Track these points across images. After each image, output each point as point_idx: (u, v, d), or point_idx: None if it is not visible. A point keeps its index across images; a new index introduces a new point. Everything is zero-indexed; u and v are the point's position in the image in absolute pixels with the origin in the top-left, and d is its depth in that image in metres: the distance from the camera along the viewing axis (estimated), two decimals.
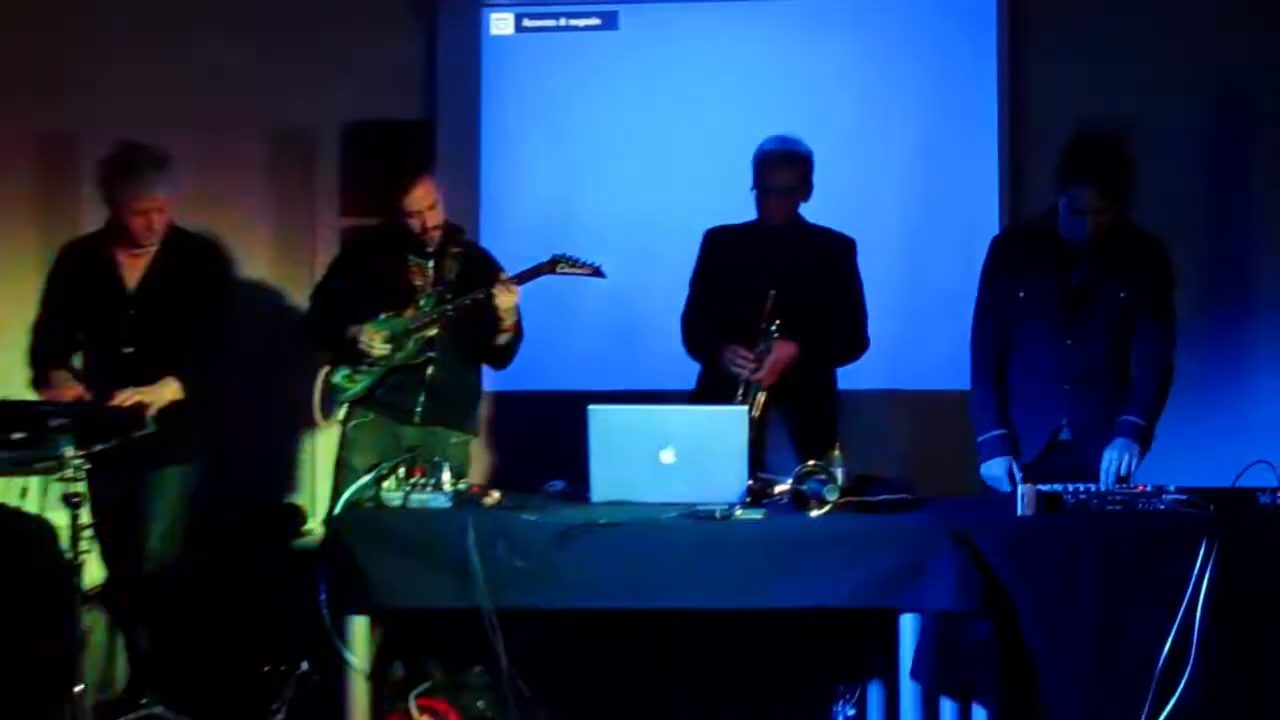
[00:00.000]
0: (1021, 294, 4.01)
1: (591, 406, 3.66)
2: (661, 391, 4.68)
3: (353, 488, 3.70)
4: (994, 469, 4.04)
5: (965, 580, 3.30)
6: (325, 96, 5.88)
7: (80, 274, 4.35)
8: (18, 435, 3.97)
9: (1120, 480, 3.82)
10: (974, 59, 5.66)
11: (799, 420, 4.35)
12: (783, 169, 4.37)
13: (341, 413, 4.43)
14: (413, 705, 3.58)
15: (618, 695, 3.75)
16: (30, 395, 4.26)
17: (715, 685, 3.81)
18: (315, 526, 5.70)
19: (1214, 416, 5.29)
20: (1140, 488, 3.62)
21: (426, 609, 3.51)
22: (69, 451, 3.87)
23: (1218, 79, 5.64)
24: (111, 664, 4.68)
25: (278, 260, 5.97)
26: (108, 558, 4.36)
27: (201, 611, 4.40)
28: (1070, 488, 3.61)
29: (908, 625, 3.40)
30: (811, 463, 3.59)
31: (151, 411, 4.08)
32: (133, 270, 4.31)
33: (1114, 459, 3.87)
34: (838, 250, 4.48)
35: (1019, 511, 3.49)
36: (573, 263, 4.34)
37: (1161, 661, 3.30)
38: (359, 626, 3.49)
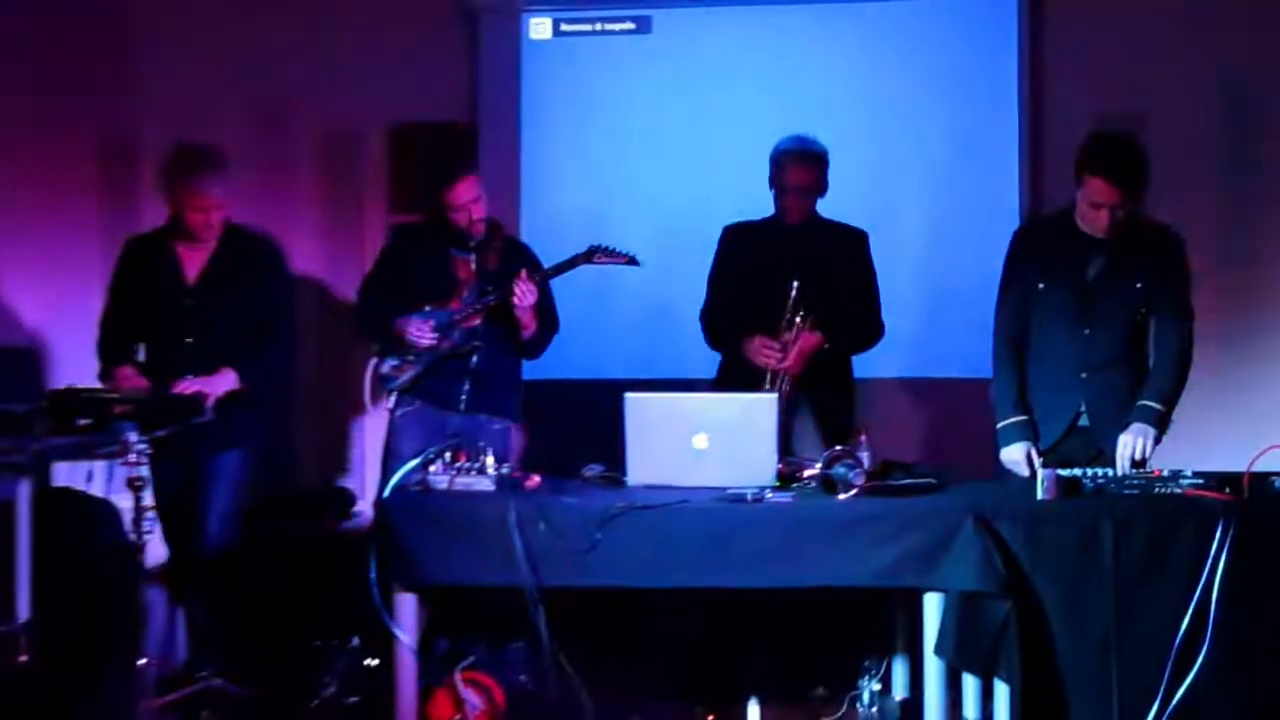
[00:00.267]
0: (1041, 285, 3.98)
1: (628, 394, 3.65)
2: (692, 380, 4.68)
3: (401, 472, 3.71)
4: (1013, 454, 4.00)
5: (987, 561, 3.28)
6: (373, 99, 5.90)
7: (143, 269, 4.38)
8: (84, 422, 4.00)
9: (1137, 464, 3.78)
10: (994, 58, 5.63)
11: (821, 407, 4.35)
12: (801, 168, 4.36)
13: (390, 401, 4.44)
14: (458, 679, 3.59)
15: (653, 669, 3.76)
16: (96, 384, 4.30)
17: (747, 660, 3.81)
18: (364, 508, 5.74)
19: (1229, 402, 5.23)
20: (1157, 472, 3.59)
21: (471, 587, 3.51)
22: (132, 437, 3.90)
23: (1231, 76, 5.58)
24: (172, 638, 4.73)
25: (328, 254, 6.01)
26: (169, 538, 4.39)
27: (257, 589, 4.42)
28: (1089, 472, 3.58)
29: (931, 603, 3.39)
30: (839, 448, 3.59)
31: (210, 401, 4.11)
32: (192, 265, 4.34)
33: (1131, 444, 3.83)
34: (853, 243, 4.48)
35: (1039, 495, 3.47)
36: (609, 252, 4.34)
37: (1178, 642, 3.27)
38: (407, 603, 3.50)
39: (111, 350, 4.36)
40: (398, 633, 3.48)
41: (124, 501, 4.11)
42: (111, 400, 3.98)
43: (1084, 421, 3.97)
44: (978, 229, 5.44)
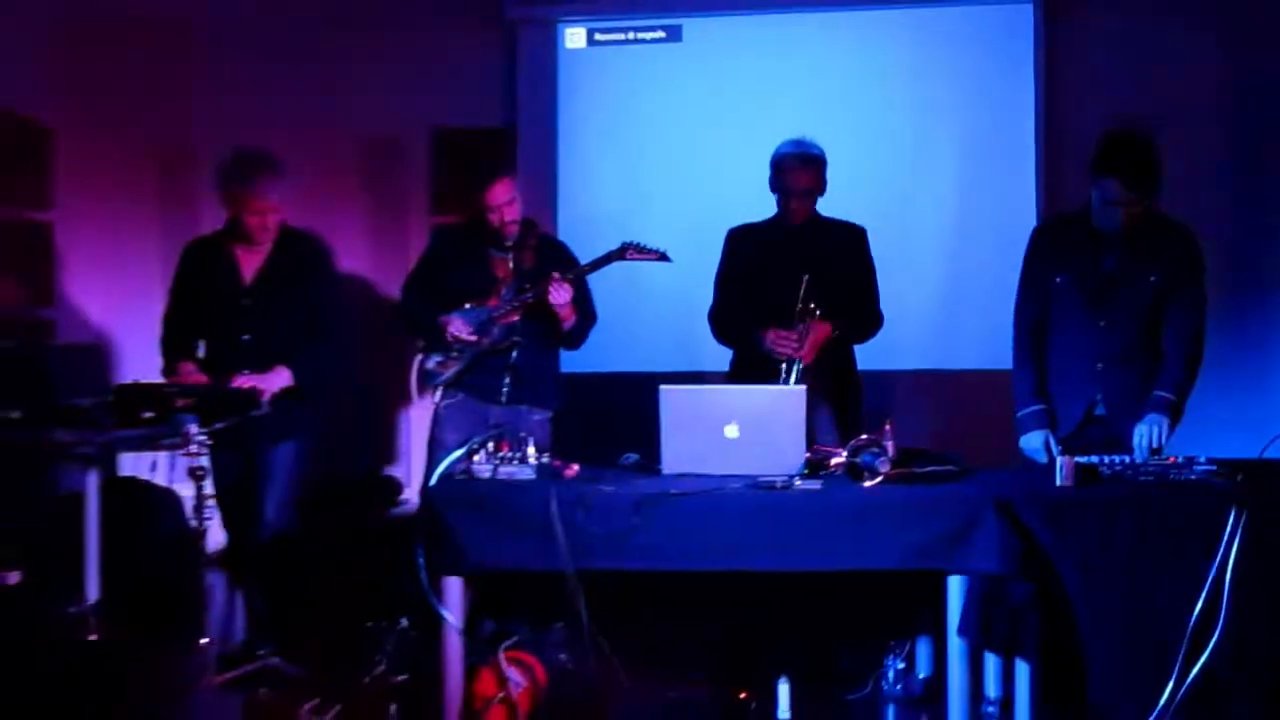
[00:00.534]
0: (1059, 279, 3.96)
1: (663, 386, 3.65)
2: (721, 372, 4.66)
3: (446, 461, 3.71)
4: (1032, 441, 4.00)
5: (1008, 545, 3.26)
6: (417, 106, 5.92)
7: (202, 270, 4.40)
8: (148, 415, 4.04)
9: (1153, 452, 3.75)
10: (1011, 64, 5.61)
11: (832, 395, 4.34)
12: (802, 172, 4.35)
13: (435, 394, 4.45)
14: (501, 658, 3.59)
15: (688, 649, 3.75)
16: (159, 379, 4.32)
17: (777, 641, 3.80)
18: (411, 496, 5.75)
19: (1241, 392, 5.19)
20: (1172, 459, 3.56)
21: (514, 571, 3.51)
22: (193, 429, 3.93)
23: (1240, 79, 5.54)
24: (232, 619, 4.76)
25: (374, 254, 6.03)
26: (228, 525, 4.42)
27: (311, 573, 4.45)
28: (1105, 459, 3.56)
29: (955, 586, 3.37)
30: (864, 437, 3.57)
31: (266, 396, 4.13)
32: (249, 265, 4.35)
33: (1145, 433, 3.81)
34: (853, 239, 4.47)
35: (1058, 482, 3.44)
36: (641, 249, 4.33)
37: (1192, 623, 3.24)
38: (453, 586, 3.50)
39: (173, 347, 4.38)
40: (445, 614, 3.48)
41: (185, 490, 4.15)
42: (173, 394, 4.01)
43: (1100, 410, 3.95)
44: (996, 227, 5.42)
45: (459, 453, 3.73)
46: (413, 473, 5.79)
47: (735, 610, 3.81)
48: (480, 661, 3.59)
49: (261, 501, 4.30)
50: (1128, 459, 3.61)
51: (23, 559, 4.86)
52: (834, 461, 3.62)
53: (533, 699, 3.58)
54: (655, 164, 5.78)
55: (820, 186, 4.40)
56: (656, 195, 5.69)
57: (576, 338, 4.47)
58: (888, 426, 3.66)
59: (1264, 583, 3.25)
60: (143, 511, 4.86)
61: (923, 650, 3.84)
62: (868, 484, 3.45)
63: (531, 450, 3.68)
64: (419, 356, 4.44)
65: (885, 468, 3.47)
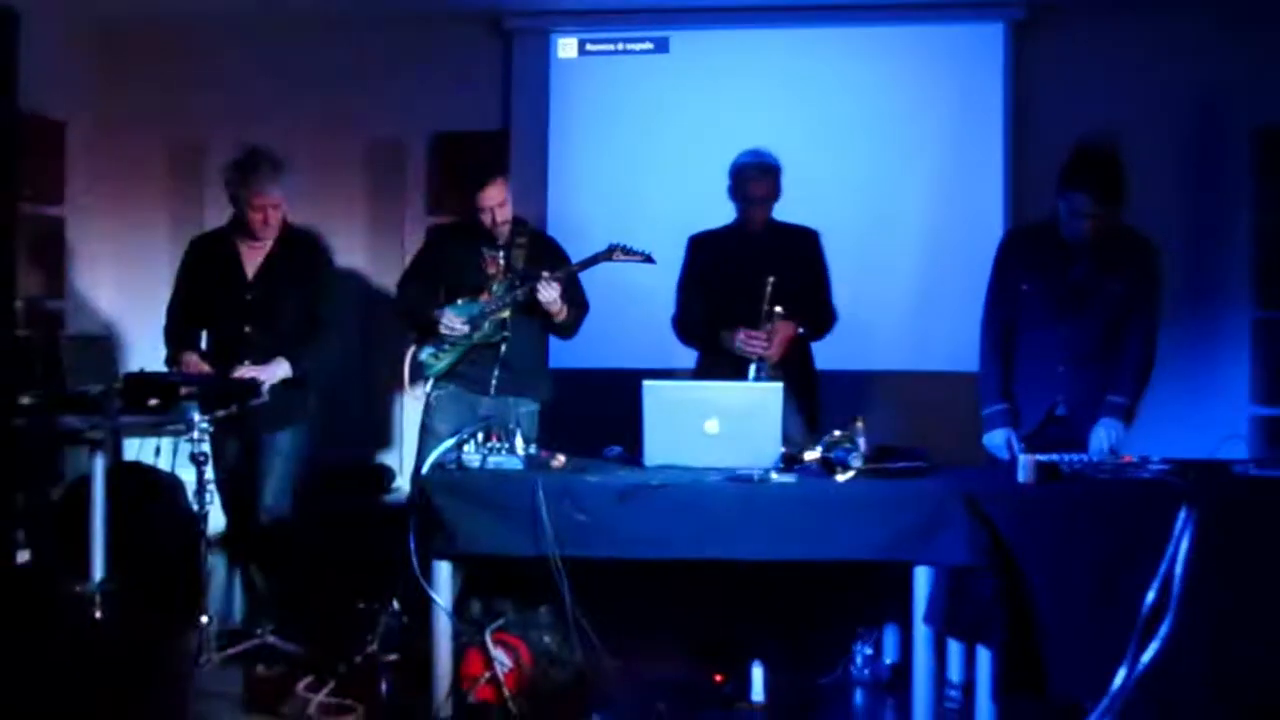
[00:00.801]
0: (1025, 286, 3.95)
1: (646, 382, 3.63)
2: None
3: (437, 450, 3.69)
4: (995, 439, 4.00)
5: (974, 538, 3.26)
6: (415, 111, 5.90)
7: (207, 263, 4.36)
8: (153, 402, 4.01)
9: (1110, 452, 3.76)
10: (982, 80, 5.63)
11: (796, 391, 4.32)
12: (761, 181, 4.34)
13: (427, 385, 4.43)
14: (488, 639, 3.58)
15: (667, 633, 3.75)
16: (164, 368, 4.29)
17: (752, 626, 3.80)
18: (403, 483, 5.74)
19: (1193, 395, 5.22)
20: (1128, 459, 3.57)
21: (501, 556, 3.50)
22: (196, 417, 3.91)
23: (1198, 98, 5.57)
24: (231, 599, 4.74)
25: (372, 250, 6.02)
26: (228, 509, 4.39)
27: (308, 555, 4.42)
28: (1066, 458, 3.56)
29: (922, 577, 3.37)
30: (838, 433, 3.56)
31: (265, 386, 4.11)
32: (252, 260, 4.32)
33: (1102, 437, 3.84)
34: (808, 241, 4.46)
35: (1021, 479, 3.43)
36: (628, 251, 4.31)
37: (1146, 610, 3.24)
38: (442, 570, 3.48)
39: (177, 337, 4.35)
40: (434, 596, 3.46)
41: (188, 475, 4.12)
42: (178, 383, 3.99)
43: (1061, 410, 3.95)
44: (966, 236, 5.43)
45: (450, 442, 3.71)
46: (404, 461, 5.78)
47: (712, 597, 3.81)
48: (468, 642, 3.57)
49: (260, 486, 4.27)
50: (1087, 458, 3.61)
51: (32, 539, 4.84)
52: (808, 456, 3.61)
53: (518, 679, 3.57)
54: (642, 169, 5.77)
55: (776, 193, 4.39)
56: (643, 199, 5.69)
57: (570, 328, 4.46)
58: (860, 424, 3.65)
59: (1212, 573, 3.26)
60: (147, 495, 4.84)
61: (890, 637, 3.85)
62: (841, 478, 3.44)
63: (519, 441, 3.66)
64: (412, 349, 4.42)
65: (858, 463, 3.46)
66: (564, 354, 4.75)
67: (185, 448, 4.00)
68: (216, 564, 4.70)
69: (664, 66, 5.82)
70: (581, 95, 5.86)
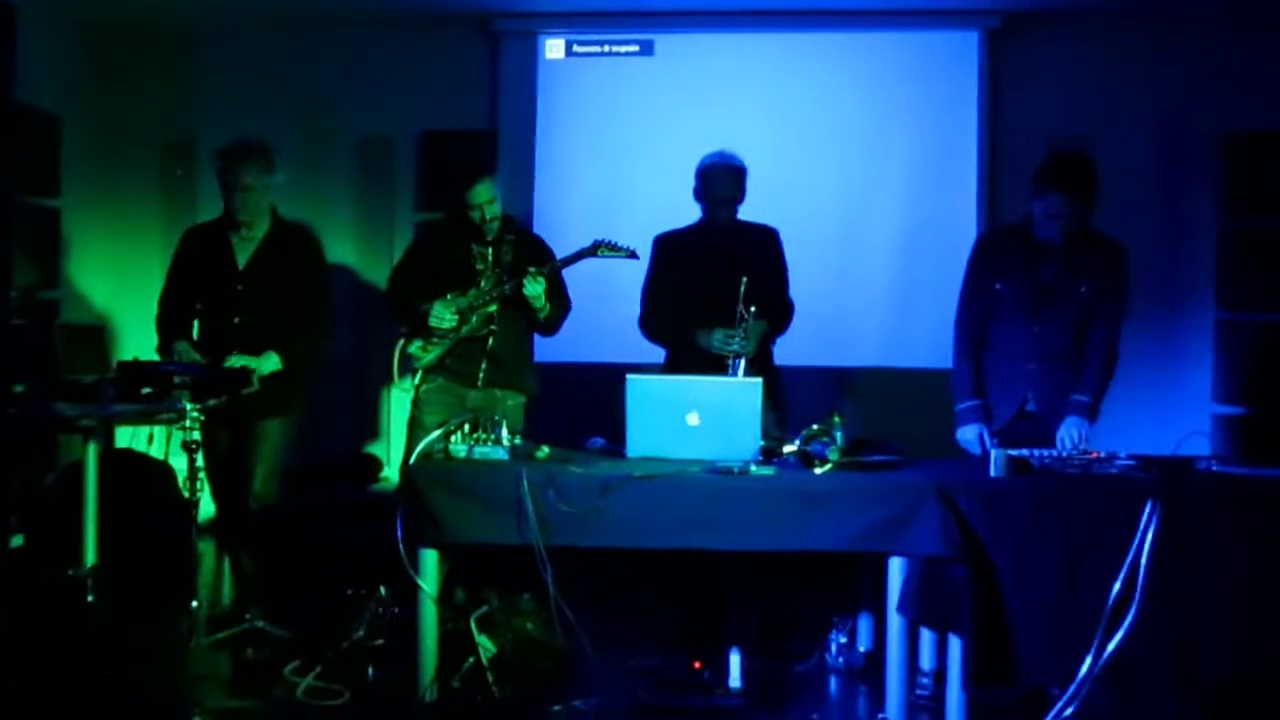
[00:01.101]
0: (998, 286, 3.96)
1: (629, 376, 3.62)
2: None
3: (424, 441, 3.68)
4: (968, 434, 4.01)
5: (947, 530, 3.26)
6: (404, 110, 5.88)
7: (199, 255, 4.33)
8: (145, 391, 3.99)
9: (1078, 447, 3.77)
10: (958, 86, 5.65)
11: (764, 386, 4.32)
12: (727, 181, 4.32)
13: (416, 377, 4.41)
14: (473, 625, 3.57)
15: (647, 621, 3.74)
16: (157, 358, 4.26)
17: (731, 614, 3.79)
18: (391, 473, 5.71)
19: (1158, 393, 5.24)
20: (1095, 454, 3.58)
21: (486, 545, 3.48)
22: (187, 406, 3.88)
23: (1165, 105, 5.60)
24: (220, 584, 4.72)
25: (363, 246, 5.99)
26: (218, 496, 4.35)
27: (296, 542, 4.40)
28: (1035, 453, 3.57)
29: (895, 567, 3.36)
30: (815, 426, 3.55)
31: (255, 375, 4.08)
32: (243, 253, 4.29)
33: (1068, 435, 3.86)
34: (769, 239, 4.43)
35: (992, 473, 3.44)
36: (612, 247, 4.29)
37: (1112, 599, 3.25)
38: (429, 558, 3.47)
39: (168, 327, 4.31)
40: (421, 583, 3.45)
41: (179, 462, 4.09)
42: (170, 373, 3.96)
43: (1031, 406, 3.96)
44: (941, 237, 5.44)
45: (437, 434, 3.69)
46: (392, 451, 5.75)
47: (691, 586, 3.80)
48: (453, 628, 3.56)
49: (250, 474, 4.24)
50: (1057, 453, 3.62)
51: (26, 524, 4.80)
52: (786, 449, 3.61)
53: (501, 664, 3.55)
54: (627, 167, 5.76)
55: (742, 194, 4.37)
56: (627, 197, 5.67)
57: (552, 325, 4.44)
58: (838, 419, 3.65)
59: (1175, 564, 3.27)
60: (139, 482, 4.80)
61: (864, 626, 3.85)
62: (818, 471, 3.44)
63: (505, 433, 3.64)
64: (402, 341, 4.40)
65: (835, 456, 3.46)
66: (549, 348, 4.73)
67: (177, 436, 3.98)
68: (206, 550, 4.68)
69: (649, 69, 5.81)
70: (568, 96, 5.84)
